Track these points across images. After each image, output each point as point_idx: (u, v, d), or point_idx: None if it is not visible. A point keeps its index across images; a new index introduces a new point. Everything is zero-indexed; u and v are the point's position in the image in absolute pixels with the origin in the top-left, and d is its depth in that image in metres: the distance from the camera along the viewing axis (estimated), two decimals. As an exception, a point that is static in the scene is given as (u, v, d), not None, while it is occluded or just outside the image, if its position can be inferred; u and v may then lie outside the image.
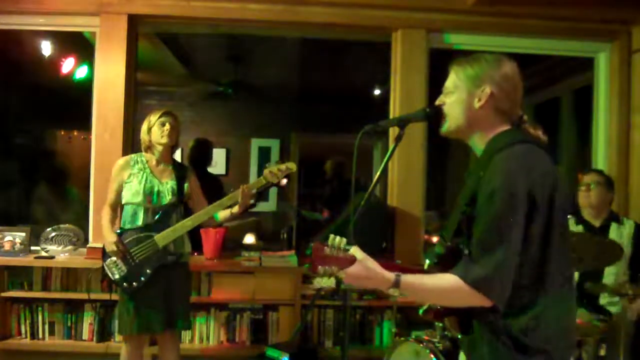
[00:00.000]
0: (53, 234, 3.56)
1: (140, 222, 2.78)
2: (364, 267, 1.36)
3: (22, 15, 3.62)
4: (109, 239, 2.73)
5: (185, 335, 3.45)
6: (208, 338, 3.50)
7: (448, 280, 1.35)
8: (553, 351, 1.38)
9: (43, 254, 3.51)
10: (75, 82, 4.06)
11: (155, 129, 2.82)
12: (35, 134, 6.18)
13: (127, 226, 2.79)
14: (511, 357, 1.37)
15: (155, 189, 2.79)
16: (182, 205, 2.90)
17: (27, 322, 3.44)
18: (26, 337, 3.44)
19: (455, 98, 1.51)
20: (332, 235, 1.37)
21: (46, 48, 4.25)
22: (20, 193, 5.80)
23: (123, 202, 2.83)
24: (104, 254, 2.77)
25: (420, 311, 1.61)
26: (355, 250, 1.37)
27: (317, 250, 1.35)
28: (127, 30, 3.56)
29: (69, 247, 3.56)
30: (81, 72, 4.04)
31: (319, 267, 1.35)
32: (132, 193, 2.78)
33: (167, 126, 2.81)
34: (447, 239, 1.49)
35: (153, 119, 2.84)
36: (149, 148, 2.87)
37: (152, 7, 3.60)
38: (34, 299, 3.45)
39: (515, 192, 1.33)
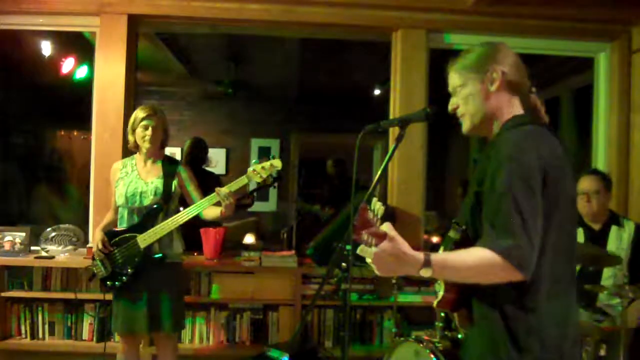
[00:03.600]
0: (53, 234, 3.56)
1: (125, 224, 2.81)
2: (393, 245, 1.25)
3: (22, 15, 3.62)
4: (95, 237, 2.83)
5: (185, 335, 3.45)
6: (208, 338, 3.49)
7: (477, 253, 1.29)
8: (548, 349, 1.35)
9: (43, 254, 3.51)
10: (75, 82, 4.06)
11: (138, 130, 2.78)
12: (35, 134, 6.18)
13: (117, 228, 2.83)
14: (507, 353, 1.35)
15: (139, 190, 2.78)
16: (173, 205, 2.84)
17: (27, 322, 3.44)
18: (26, 337, 3.44)
19: (469, 91, 1.50)
20: (374, 199, 1.27)
21: (46, 48, 4.25)
22: (20, 193, 5.80)
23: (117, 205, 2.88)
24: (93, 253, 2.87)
25: (435, 303, 1.52)
26: (386, 227, 1.27)
27: (363, 211, 1.24)
28: (127, 30, 3.56)
29: (69, 247, 3.56)
30: (81, 72, 4.04)
31: (363, 231, 1.23)
32: (118, 196, 2.83)
33: (150, 130, 2.76)
34: (461, 224, 1.46)
35: (138, 117, 2.78)
36: (135, 147, 2.86)
37: (152, 7, 3.60)
38: (34, 299, 3.45)
39: (525, 161, 1.31)
